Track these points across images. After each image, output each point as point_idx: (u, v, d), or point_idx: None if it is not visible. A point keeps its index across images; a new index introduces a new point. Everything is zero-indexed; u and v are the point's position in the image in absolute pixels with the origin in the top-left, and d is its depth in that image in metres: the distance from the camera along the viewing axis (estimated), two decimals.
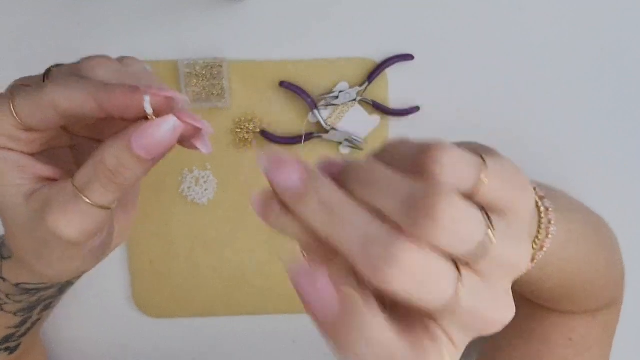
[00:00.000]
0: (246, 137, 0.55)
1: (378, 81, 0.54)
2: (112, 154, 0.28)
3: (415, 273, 0.20)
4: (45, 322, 0.54)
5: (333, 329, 0.22)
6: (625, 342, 0.56)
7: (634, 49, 0.55)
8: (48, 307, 0.48)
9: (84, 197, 0.28)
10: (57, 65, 0.32)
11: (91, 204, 0.28)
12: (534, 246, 0.37)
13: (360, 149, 0.55)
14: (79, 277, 0.43)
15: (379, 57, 0.54)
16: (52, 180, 0.31)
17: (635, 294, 0.60)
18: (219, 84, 0.53)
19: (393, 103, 0.55)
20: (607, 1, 0.54)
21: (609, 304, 0.48)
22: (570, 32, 0.54)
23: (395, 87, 0.55)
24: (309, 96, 0.54)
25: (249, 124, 0.55)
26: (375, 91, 0.55)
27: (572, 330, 0.47)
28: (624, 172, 0.57)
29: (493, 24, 0.54)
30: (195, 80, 0.53)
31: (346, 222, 0.20)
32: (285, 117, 0.55)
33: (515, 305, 0.46)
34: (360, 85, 0.54)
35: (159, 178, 0.56)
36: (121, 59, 0.32)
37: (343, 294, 0.21)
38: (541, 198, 0.39)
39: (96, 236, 0.31)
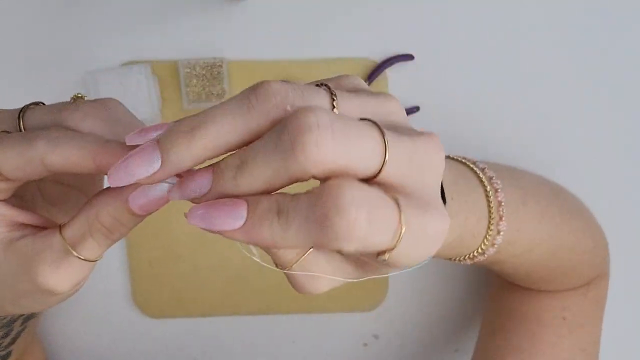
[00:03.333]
0: None
1: (378, 81, 0.54)
2: (108, 213, 0.27)
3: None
4: (37, 327, 0.53)
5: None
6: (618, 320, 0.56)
7: (634, 50, 0.55)
8: (30, 318, 0.47)
9: (74, 253, 0.27)
10: (34, 104, 0.29)
11: (84, 260, 0.27)
12: (490, 229, 0.38)
13: None
14: None
15: (379, 57, 0.54)
16: (26, 225, 0.29)
17: (635, 290, 0.60)
18: (219, 84, 0.53)
19: None
20: (607, 2, 0.54)
21: (597, 278, 0.49)
22: (570, 32, 0.54)
23: (395, 87, 0.55)
24: None
25: None
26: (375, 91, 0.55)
27: (565, 309, 0.48)
28: (623, 171, 0.57)
29: (493, 24, 0.54)
30: (195, 81, 0.53)
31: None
32: None
33: (507, 289, 0.47)
34: None
35: None
36: (102, 102, 0.30)
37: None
38: (489, 179, 0.40)
39: (81, 285, 0.30)
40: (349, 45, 0.54)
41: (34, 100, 0.30)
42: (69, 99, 0.31)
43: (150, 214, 0.27)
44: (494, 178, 0.40)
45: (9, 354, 0.48)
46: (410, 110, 0.55)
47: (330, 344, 0.62)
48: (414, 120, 0.55)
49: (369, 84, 0.54)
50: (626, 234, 0.58)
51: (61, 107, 0.28)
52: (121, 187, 0.26)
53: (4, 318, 0.41)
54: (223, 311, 0.60)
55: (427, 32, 0.54)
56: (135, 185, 0.26)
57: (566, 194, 0.50)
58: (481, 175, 0.40)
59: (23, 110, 0.28)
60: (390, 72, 0.54)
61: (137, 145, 0.24)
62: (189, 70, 0.53)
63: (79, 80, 0.54)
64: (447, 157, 0.42)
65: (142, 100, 0.51)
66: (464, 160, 0.41)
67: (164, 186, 0.26)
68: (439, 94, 0.55)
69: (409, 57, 0.54)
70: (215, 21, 0.54)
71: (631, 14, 0.54)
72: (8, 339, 0.46)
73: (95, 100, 0.29)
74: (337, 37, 0.54)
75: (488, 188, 0.39)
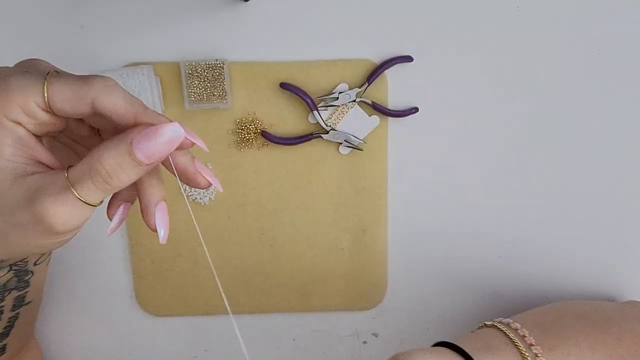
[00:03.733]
0: (247, 138, 0.56)
1: (377, 82, 0.55)
2: (110, 156, 0.29)
3: None
4: (33, 323, 0.54)
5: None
6: None
7: (633, 47, 0.55)
8: (22, 303, 0.48)
9: (74, 192, 0.29)
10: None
11: (80, 200, 0.29)
12: None
13: (360, 150, 0.56)
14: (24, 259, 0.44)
15: (378, 59, 0.55)
16: (45, 166, 0.31)
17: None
18: (220, 85, 0.54)
19: (392, 104, 0.56)
20: (604, 3, 0.54)
21: None
22: (569, 32, 0.55)
23: (394, 89, 0.55)
24: (309, 97, 0.54)
25: (249, 125, 0.55)
26: (374, 92, 0.55)
27: None
28: (622, 168, 0.58)
29: (492, 26, 0.55)
30: (196, 82, 0.53)
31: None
32: (285, 117, 0.56)
33: None
34: (360, 87, 0.54)
35: None
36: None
37: None
38: (529, 345, 0.43)
39: (74, 231, 0.32)
40: (349, 47, 0.55)
41: None
42: None
43: (150, 165, 0.30)
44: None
45: (3, 348, 0.48)
46: (409, 112, 0.55)
47: (329, 342, 0.63)
48: (413, 121, 0.56)
49: (368, 85, 0.54)
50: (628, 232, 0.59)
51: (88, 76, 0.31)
52: (125, 132, 0.30)
53: None
54: (224, 310, 0.60)
55: (426, 33, 0.55)
56: (138, 130, 0.30)
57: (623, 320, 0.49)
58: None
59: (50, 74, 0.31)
60: (389, 74, 0.55)
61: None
62: (190, 71, 0.53)
63: None
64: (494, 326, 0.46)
65: (145, 101, 0.52)
66: (520, 349, 0.43)
67: (164, 135, 0.29)
68: (438, 96, 0.56)
69: (408, 58, 0.54)
70: (217, 23, 0.54)
71: (632, 15, 0.55)
72: (0, 327, 0.46)
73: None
74: (337, 38, 0.55)
75: None
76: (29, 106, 0.29)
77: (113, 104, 0.29)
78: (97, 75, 0.30)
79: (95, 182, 0.29)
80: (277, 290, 0.60)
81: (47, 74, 0.30)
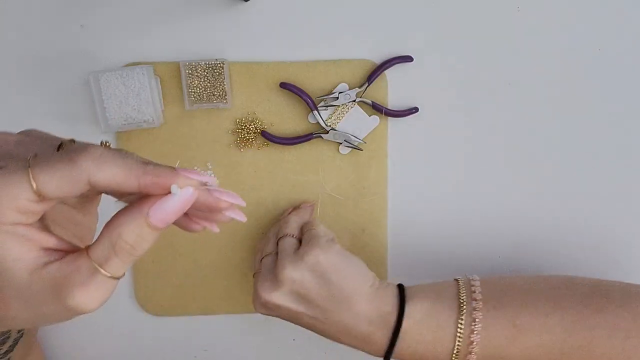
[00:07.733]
0: (247, 138, 0.56)
1: (377, 82, 0.55)
2: (130, 230, 0.28)
3: None
4: (37, 331, 0.54)
5: None
6: None
7: (633, 47, 0.55)
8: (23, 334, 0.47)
9: (104, 272, 0.28)
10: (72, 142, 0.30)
11: (111, 277, 0.28)
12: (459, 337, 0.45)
13: (360, 149, 0.56)
14: None
15: (378, 59, 0.55)
16: (55, 251, 0.29)
17: None
18: (220, 84, 0.54)
19: (392, 104, 0.56)
20: (604, 3, 0.54)
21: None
22: (568, 33, 0.55)
23: (394, 88, 0.55)
24: (309, 97, 0.54)
25: (249, 125, 0.55)
26: (374, 92, 0.55)
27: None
28: (621, 170, 0.58)
29: (492, 26, 0.55)
30: (196, 81, 0.53)
31: None
32: (285, 117, 0.56)
33: None
34: (360, 87, 0.54)
35: None
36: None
37: None
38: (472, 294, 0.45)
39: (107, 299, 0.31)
40: (348, 47, 0.55)
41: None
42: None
43: (168, 226, 0.29)
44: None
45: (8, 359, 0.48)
46: (409, 112, 0.55)
47: (329, 342, 0.63)
48: (413, 121, 0.56)
49: (368, 85, 0.54)
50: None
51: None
52: (139, 204, 0.28)
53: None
54: (224, 309, 0.61)
55: (426, 34, 0.55)
56: (152, 201, 0.28)
57: (579, 298, 0.47)
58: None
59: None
60: (389, 73, 0.55)
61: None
62: (190, 70, 0.53)
63: (83, 81, 0.55)
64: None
65: (145, 101, 0.52)
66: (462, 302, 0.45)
67: (182, 200, 0.28)
68: (438, 96, 0.56)
69: (408, 58, 0.54)
70: (217, 22, 0.54)
71: (631, 15, 0.55)
72: (5, 347, 0.46)
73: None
74: (337, 38, 0.55)
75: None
76: (21, 205, 0.27)
77: (110, 178, 0.27)
78: (84, 148, 0.27)
79: (122, 258, 0.28)
80: None
81: (28, 160, 0.27)
